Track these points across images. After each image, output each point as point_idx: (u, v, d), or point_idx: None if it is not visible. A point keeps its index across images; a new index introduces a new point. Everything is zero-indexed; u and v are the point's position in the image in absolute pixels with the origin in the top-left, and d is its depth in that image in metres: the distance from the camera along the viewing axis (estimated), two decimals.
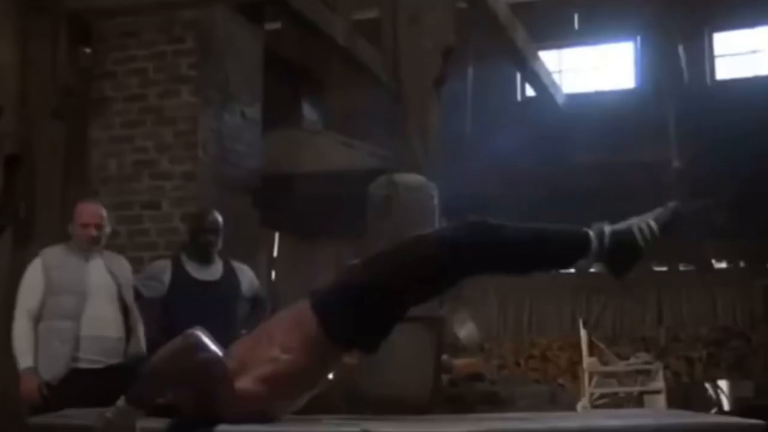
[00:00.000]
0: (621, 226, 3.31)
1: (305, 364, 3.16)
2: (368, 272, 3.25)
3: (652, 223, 3.32)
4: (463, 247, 3.21)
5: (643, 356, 11.65)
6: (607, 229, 3.28)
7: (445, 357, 7.30)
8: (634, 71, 13.58)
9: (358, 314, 3.19)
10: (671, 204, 3.37)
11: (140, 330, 5.19)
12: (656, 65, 12.95)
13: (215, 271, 5.38)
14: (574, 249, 3.29)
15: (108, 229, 5.20)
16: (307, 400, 3.30)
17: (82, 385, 4.71)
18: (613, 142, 11.73)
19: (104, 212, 5.19)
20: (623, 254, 3.30)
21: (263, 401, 3.12)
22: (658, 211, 3.36)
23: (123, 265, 5.28)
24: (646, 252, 3.30)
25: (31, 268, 5.01)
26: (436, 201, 5.73)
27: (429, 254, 3.23)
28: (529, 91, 12.92)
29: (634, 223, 3.32)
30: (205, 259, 5.37)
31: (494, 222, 3.24)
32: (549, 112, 11.98)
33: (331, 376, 3.40)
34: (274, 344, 3.17)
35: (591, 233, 3.26)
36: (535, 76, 11.01)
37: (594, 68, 13.86)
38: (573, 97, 12.73)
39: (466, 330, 10.38)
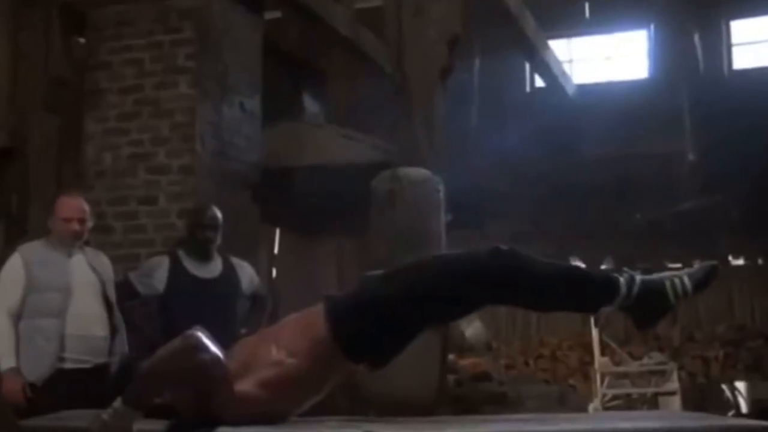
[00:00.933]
0: (654, 276, 3.30)
1: (310, 370, 3.19)
2: (387, 287, 3.27)
3: (686, 280, 3.28)
4: (487, 273, 3.22)
5: (657, 356, 11.67)
6: (639, 277, 3.26)
7: (451, 356, 7.34)
8: (647, 61, 13.60)
9: (372, 328, 3.21)
10: (708, 263, 3.36)
11: (123, 329, 5.18)
12: (670, 54, 12.96)
13: (214, 268, 5.39)
14: (602, 292, 3.27)
15: (90, 224, 5.18)
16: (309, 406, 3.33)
17: (69, 386, 4.67)
18: (624, 134, 11.75)
19: (86, 206, 5.15)
20: (651, 306, 3.29)
21: (264, 404, 3.15)
22: (695, 268, 3.35)
23: (104, 262, 5.24)
24: (674, 307, 3.31)
25: (10, 265, 4.94)
26: (441, 195, 5.76)
27: (450, 276, 3.25)
28: (539, 82, 12.95)
29: (667, 276, 3.30)
30: (203, 256, 5.38)
31: (523, 252, 3.25)
32: (558, 104, 12.00)
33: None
34: (281, 347, 3.20)
35: (621, 279, 3.25)
36: (544, 66, 11.03)
37: (606, 58, 13.87)
38: (584, 88, 12.76)
39: (472, 328, 10.40)
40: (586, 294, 3.32)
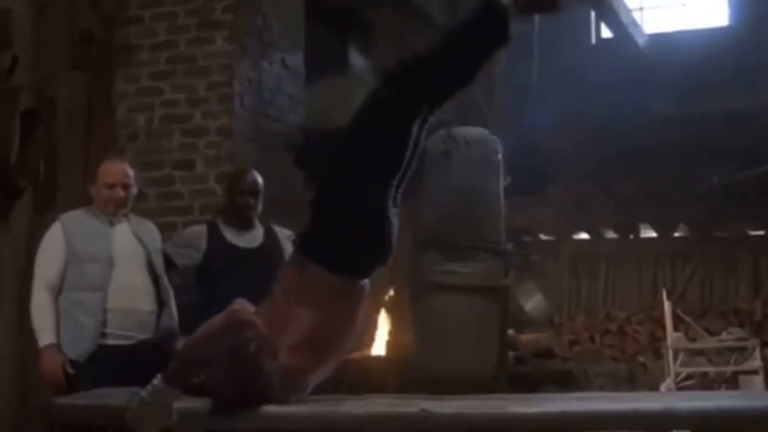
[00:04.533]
0: None
1: (329, 311, 3.29)
2: (328, 195, 3.43)
3: None
4: (398, 101, 3.36)
5: (737, 332, 11.55)
6: None
7: (510, 332, 7.36)
8: (727, 6, 13.38)
9: (340, 230, 3.37)
10: None
11: (172, 301, 5.25)
12: None
13: (255, 237, 5.44)
14: (495, 17, 3.36)
15: (134, 191, 5.24)
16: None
17: (111, 363, 4.74)
18: (701, 89, 11.60)
19: (131, 171, 5.23)
20: None
21: (308, 371, 3.24)
22: None
23: (151, 231, 5.31)
24: None
25: (50, 235, 5.02)
26: (499, 157, 5.76)
27: (364, 131, 3.42)
28: (605, 33, 12.82)
29: None
30: (244, 224, 5.43)
31: (405, 57, 3.34)
32: (627, 56, 11.86)
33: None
34: (292, 304, 3.28)
35: None
36: (612, 15, 10.90)
37: (681, 4, 13.69)
38: (656, 38, 12.59)
39: (533, 302, 10.41)
40: (484, 33, 3.40)
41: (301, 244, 3.46)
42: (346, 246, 3.34)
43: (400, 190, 3.47)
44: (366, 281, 3.48)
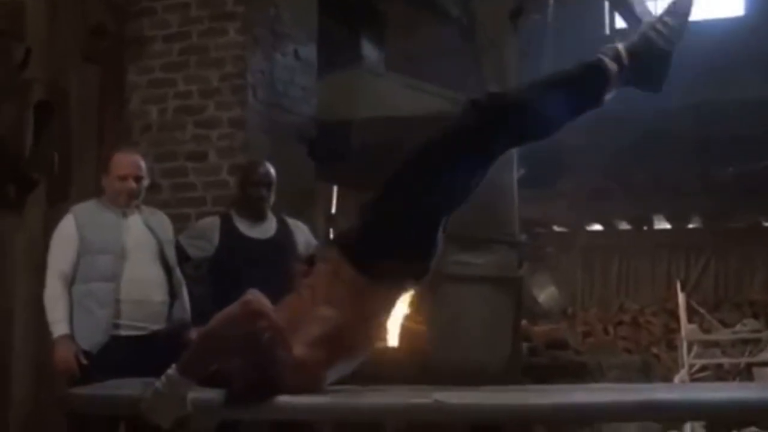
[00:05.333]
0: (634, 38, 3.35)
1: (356, 315, 3.28)
2: (387, 205, 3.37)
3: (668, 19, 3.36)
4: (476, 132, 3.30)
5: (751, 323, 11.55)
6: (621, 47, 3.31)
7: (524, 323, 7.37)
8: None
9: (387, 241, 3.31)
10: None
11: (184, 292, 5.27)
12: None
13: (268, 228, 5.45)
14: (594, 81, 3.32)
15: (146, 182, 5.25)
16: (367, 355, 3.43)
17: (124, 354, 4.76)
18: (716, 78, 11.56)
19: (143, 163, 5.24)
20: (651, 67, 3.35)
21: (322, 366, 3.24)
22: (669, 5, 3.39)
23: (163, 222, 5.31)
24: (673, 51, 3.34)
25: (62, 226, 5.03)
26: (513, 149, 5.75)
27: (444, 160, 3.32)
28: (619, 23, 12.79)
29: (646, 29, 3.35)
30: (256, 216, 5.44)
31: (496, 92, 3.32)
32: None
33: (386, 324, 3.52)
34: (318, 301, 3.28)
35: (605, 59, 3.29)
36: (626, 5, 10.87)
37: None
38: None
39: (546, 293, 10.42)
40: (579, 93, 3.36)
41: (342, 243, 3.43)
42: (389, 259, 3.31)
43: (450, 217, 3.46)
44: (399, 292, 3.48)
